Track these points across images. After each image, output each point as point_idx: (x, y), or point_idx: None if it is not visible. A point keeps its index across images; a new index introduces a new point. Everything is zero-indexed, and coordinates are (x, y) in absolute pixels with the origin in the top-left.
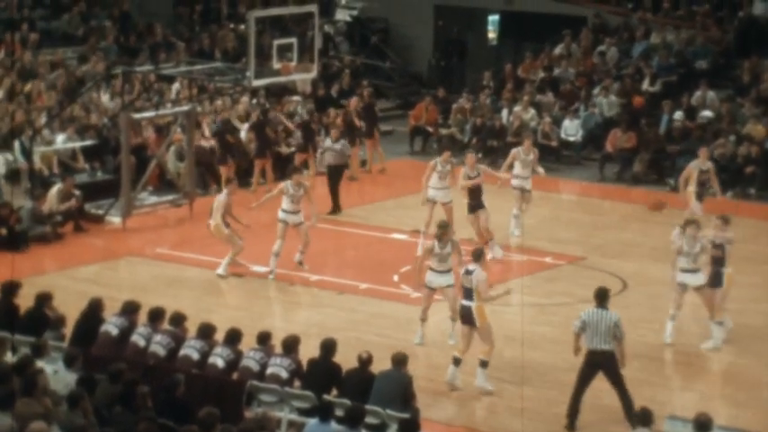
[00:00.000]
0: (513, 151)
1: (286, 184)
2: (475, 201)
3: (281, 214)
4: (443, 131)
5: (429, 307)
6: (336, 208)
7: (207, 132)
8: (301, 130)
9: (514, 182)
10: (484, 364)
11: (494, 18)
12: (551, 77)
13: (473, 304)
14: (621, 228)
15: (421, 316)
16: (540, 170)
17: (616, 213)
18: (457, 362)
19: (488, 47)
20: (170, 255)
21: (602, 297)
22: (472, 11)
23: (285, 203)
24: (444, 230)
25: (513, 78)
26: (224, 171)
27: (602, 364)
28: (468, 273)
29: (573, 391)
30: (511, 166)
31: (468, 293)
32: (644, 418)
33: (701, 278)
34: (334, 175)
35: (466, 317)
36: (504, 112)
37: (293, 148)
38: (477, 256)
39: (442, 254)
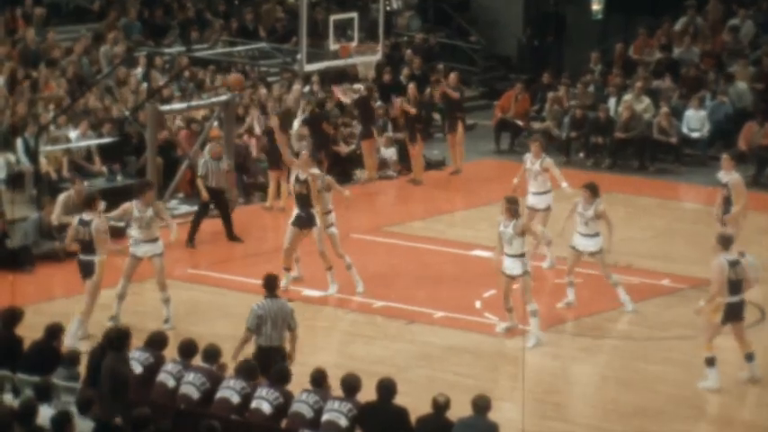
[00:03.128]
0: (525, 157)
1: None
2: (304, 212)
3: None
4: (537, 126)
5: (572, 270)
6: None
7: (257, 129)
8: (359, 111)
9: (528, 199)
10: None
11: None
12: (670, 59)
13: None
14: (758, 243)
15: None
16: (564, 184)
17: (751, 225)
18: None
19: (592, 22)
20: (205, 276)
21: (270, 285)
22: None
23: None
24: (590, 190)
25: (622, 60)
26: (274, 177)
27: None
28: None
29: None
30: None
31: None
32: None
33: None
34: (219, 202)
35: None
36: (612, 102)
37: (353, 145)
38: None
39: (585, 215)
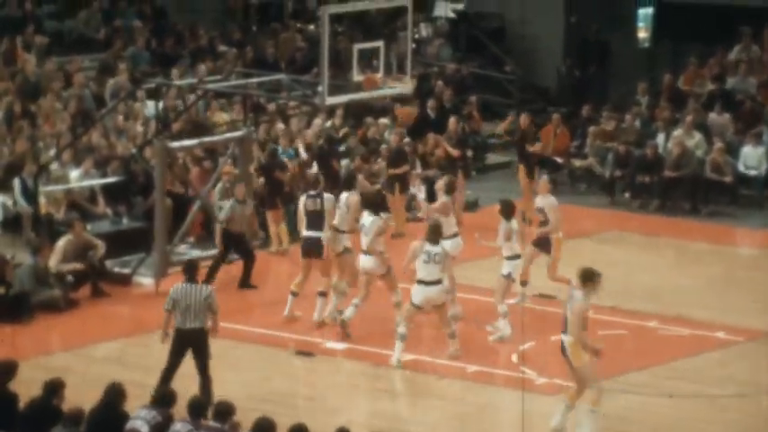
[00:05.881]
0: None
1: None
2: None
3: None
4: (577, 163)
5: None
6: None
7: None
8: (393, 154)
9: None
10: None
11: (646, 12)
12: (724, 90)
13: None
14: None
15: None
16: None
17: None
18: None
19: (639, 50)
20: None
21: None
22: (617, 2)
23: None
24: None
25: (671, 92)
26: (274, 218)
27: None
28: None
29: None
30: None
31: None
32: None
33: None
34: (242, 247)
35: None
36: (660, 137)
37: (378, 184)
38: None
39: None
